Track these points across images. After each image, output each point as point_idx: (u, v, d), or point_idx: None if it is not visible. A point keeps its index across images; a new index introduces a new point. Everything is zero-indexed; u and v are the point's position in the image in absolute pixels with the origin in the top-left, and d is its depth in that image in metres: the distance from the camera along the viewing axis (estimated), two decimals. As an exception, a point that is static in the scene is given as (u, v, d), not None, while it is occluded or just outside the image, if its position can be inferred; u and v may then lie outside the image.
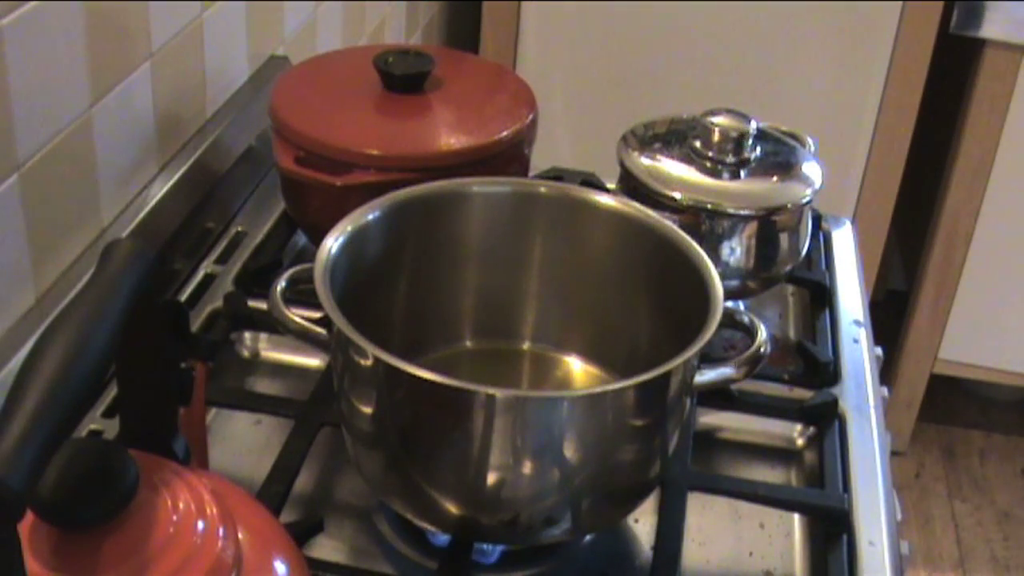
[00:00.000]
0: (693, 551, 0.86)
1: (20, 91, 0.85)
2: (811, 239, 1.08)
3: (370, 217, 0.86)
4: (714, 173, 1.02)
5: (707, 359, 0.81)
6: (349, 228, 0.84)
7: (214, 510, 0.59)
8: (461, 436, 0.74)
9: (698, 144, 1.04)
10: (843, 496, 0.87)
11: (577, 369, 0.93)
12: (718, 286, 0.80)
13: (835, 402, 0.96)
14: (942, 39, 1.97)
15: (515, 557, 0.83)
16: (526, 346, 0.94)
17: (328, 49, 1.40)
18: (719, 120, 1.03)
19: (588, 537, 0.85)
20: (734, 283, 1.02)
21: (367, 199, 0.87)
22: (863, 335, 1.06)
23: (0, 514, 0.48)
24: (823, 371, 0.99)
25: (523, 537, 0.78)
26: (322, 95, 1.09)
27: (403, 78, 1.07)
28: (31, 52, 0.86)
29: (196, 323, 1.00)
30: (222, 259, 1.10)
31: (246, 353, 1.03)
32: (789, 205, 1.01)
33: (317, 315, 0.78)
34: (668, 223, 0.87)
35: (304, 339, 0.80)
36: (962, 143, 2.04)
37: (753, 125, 1.03)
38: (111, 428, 0.88)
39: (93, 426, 0.88)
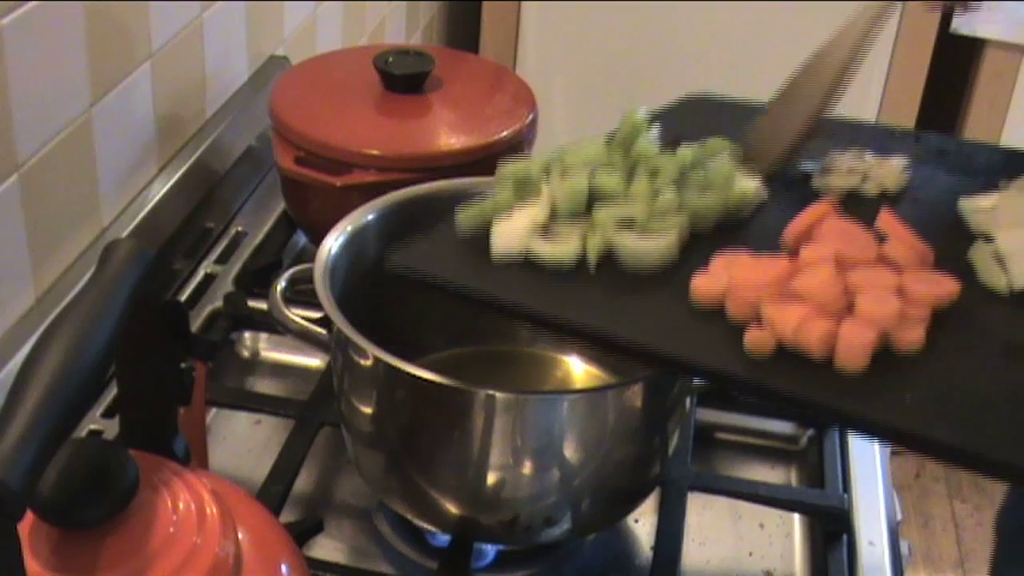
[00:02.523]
0: (693, 551, 0.86)
1: (20, 91, 0.85)
2: (811, 239, 1.08)
3: (370, 217, 0.86)
4: (714, 173, 1.02)
5: (707, 359, 0.81)
6: (349, 228, 0.84)
7: (214, 510, 0.59)
8: (461, 436, 0.74)
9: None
10: (843, 496, 0.87)
11: (577, 369, 0.93)
12: (718, 286, 0.80)
13: (835, 402, 0.96)
14: (942, 39, 1.97)
15: (515, 557, 0.83)
16: (526, 346, 0.94)
17: (328, 49, 1.40)
18: (719, 120, 1.03)
19: (588, 537, 0.85)
20: (734, 283, 1.02)
21: (367, 199, 0.87)
22: (863, 335, 1.06)
23: (0, 514, 0.48)
24: (823, 371, 0.99)
25: (523, 537, 0.78)
26: (322, 95, 1.09)
27: (403, 78, 1.07)
28: (31, 52, 0.86)
29: (196, 323, 1.00)
30: (222, 259, 1.10)
31: (246, 353, 1.03)
32: (789, 205, 1.02)
33: (317, 315, 0.78)
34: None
35: (304, 339, 0.80)
36: (962, 143, 2.04)
37: (753, 125, 1.03)
38: (111, 428, 0.88)
39: (93, 426, 0.88)
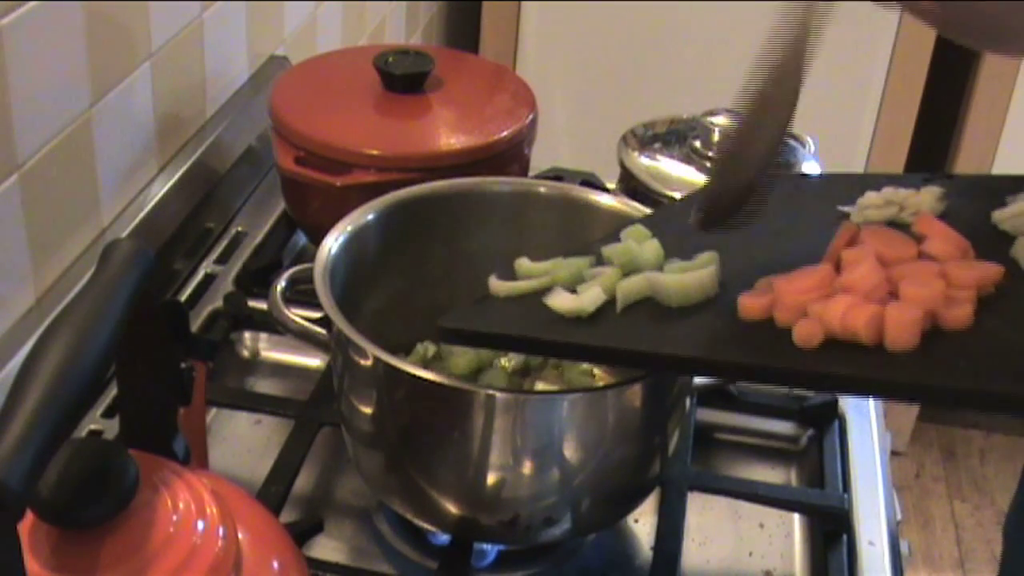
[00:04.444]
0: (693, 551, 0.86)
1: (20, 91, 0.85)
2: (811, 239, 1.08)
3: (370, 217, 0.86)
4: (714, 173, 1.02)
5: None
6: (349, 228, 0.84)
7: (214, 510, 0.59)
8: (461, 436, 0.74)
9: (698, 144, 1.04)
10: (843, 496, 0.87)
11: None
12: (718, 286, 0.80)
13: (835, 402, 0.96)
14: (942, 39, 1.97)
15: (515, 557, 0.83)
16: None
17: (328, 49, 1.40)
18: (719, 120, 1.03)
19: (588, 537, 0.85)
20: (734, 283, 1.03)
21: (367, 199, 0.87)
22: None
23: (0, 514, 0.48)
24: (823, 371, 0.99)
25: (523, 537, 0.78)
26: (322, 95, 1.09)
27: (403, 78, 1.07)
28: (31, 52, 0.86)
29: (196, 323, 1.00)
30: (222, 259, 1.10)
31: (246, 353, 1.03)
32: (789, 205, 1.02)
33: (317, 315, 0.78)
34: (668, 223, 0.87)
35: (304, 339, 0.80)
36: (962, 143, 2.04)
37: (753, 125, 1.03)
38: (111, 428, 0.88)
39: (93, 426, 0.88)
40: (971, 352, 0.61)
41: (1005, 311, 0.64)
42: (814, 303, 0.64)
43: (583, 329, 0.71)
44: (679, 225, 0.79)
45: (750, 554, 0.87)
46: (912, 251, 0.68)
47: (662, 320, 0.70)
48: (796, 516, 0.90)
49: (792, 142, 1.09)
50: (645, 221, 0.82)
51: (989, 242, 0.72)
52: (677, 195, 0.99)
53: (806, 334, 0.63)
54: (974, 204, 0.77)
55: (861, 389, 0.70)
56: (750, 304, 0.67)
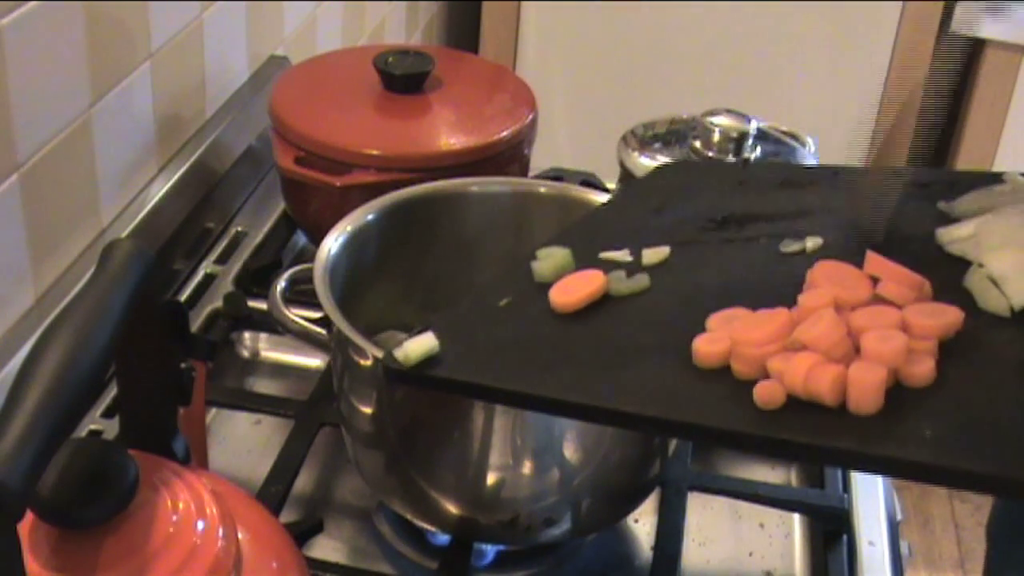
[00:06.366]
0: (693, 551, 0.86)
1: (20, 91, 0.85)
2: (811, 239, 1.08)
3: (370, 217, 0.86)
4: (714, 173, 1.02)
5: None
6: (349, 228, 0.84)
7: (214, 510, 0.59)
8: (461, 436, 0.74)
9: (698, 144, 1.04)
10: (843, 496, 0.87)
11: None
12: (718, 286, 0.80)
13: (835, 402, 0.96)
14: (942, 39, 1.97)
15: (515, 557, 0.83)
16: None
17: (328, 49, 1.40)
18: (719, 120, 1.03)
19: (588, 537, 0.85)
20: (734, 283, 1.02)
21: (367, 199, 0.87)
22: (863, 335, 1.06)
23: (0, 514, 0.48)
24: (823, 371, 0.99)
25: (523, 537, 0.79)
26: (322, 95, 1.09)
27: (403, 78, 1.07)
28: (31, 52, 0.86)
29: (196, 323, 1.00)
30: (222, 259, 1.10)
31: (246, 353, 1.03)
32: (789, 205, 1.01)
33: (317, 315, 0.78)
34: (667, 223, 0.87)
35: (304, 339, 0.80)
36: (962, 143, 2.04)
37: (753, 125, 1.03)
38: (111, 428, 0.88)
39: (93, 426, 0.88)
40: (935, 417, 0.59)
41: (967, 360, 0.62)
42: (774, 357, 0.61)
43: (533, 376, 0.66)
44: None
45: (750, 554, 0.87)
46: (868, 291, 0.66)
47: (616, 364, 0.66)
48: (796, 516, 0.89)
49: (792, 142, 1.09)
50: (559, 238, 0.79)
51: (945, 266, 0.70)
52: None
53: (767, 396, 0.60)
54: (928, 215, 0.74)
55: (823, 457, 0.67)
56: (706, 352, 0.63)
